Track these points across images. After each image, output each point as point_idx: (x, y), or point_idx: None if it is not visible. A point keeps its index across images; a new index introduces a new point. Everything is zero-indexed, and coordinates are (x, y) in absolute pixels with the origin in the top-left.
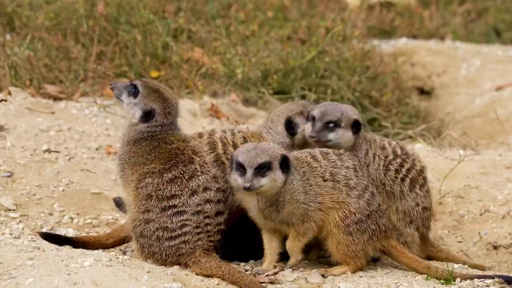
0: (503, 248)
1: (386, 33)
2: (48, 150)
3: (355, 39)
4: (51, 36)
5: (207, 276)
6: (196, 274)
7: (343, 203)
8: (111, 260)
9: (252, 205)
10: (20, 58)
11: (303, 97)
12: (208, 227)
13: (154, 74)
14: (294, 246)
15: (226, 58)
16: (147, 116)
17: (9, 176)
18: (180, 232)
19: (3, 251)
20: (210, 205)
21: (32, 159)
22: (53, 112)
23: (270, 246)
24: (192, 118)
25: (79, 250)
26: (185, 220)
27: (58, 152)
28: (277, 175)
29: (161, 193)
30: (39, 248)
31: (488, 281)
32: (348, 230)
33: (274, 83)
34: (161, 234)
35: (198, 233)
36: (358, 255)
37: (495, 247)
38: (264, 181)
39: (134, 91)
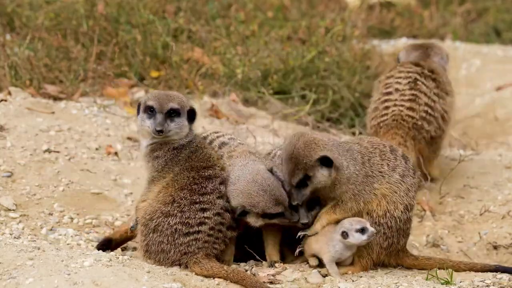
0: (503, 248)
1: (386, 33)
2: (48, 150)
3: (355, 39)
4: (51, 36)
5: (209, 276)
6: (197, 274)
7: (390, 203)
8: (111, 260)
9: None
10: (20, 58)
11: (303, 97)
12: (219, 234)
13: (154, 74)
14: (326, 215)
15: (226, 58)
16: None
17: (9, 176)
18: (196, 229)
19: (3, 251)
20: (228, 214)
21: (32, 159)
22: (53, 112)
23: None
24: None
25: (79, 250)
26: (206, 218)
27: (58, 152)
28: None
29: (196, 187)
30: (39, 248)
31: (488, 281)
32: (376, 228)
33: (274, 83)
34: (179, 228)
35: (209, 235)
36: (371, 256)
37: (495, 247)
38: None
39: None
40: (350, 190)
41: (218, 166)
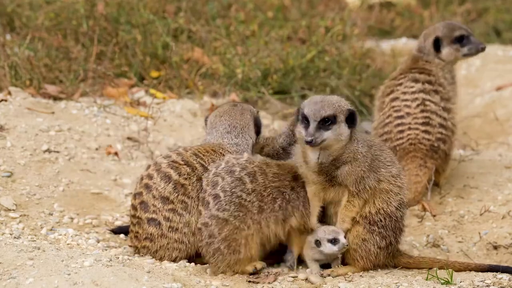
0: (503, 248)
1: (386, 33)
2: (48, 150)
3: (355, 37)
4: (51, 36)
5: None
6: None
7: (383, 201)
8: (111, 260)
9: (312, 158)
10: (20, 58)
11: (303, 96)
12: None
13: (154, 74)
14: (347, 212)
15: (226, 58)
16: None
17: (9, 176)
18: None
19: (3, 251)
20: None
21: (32, 159)
22: (53, 112)
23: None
24: (192, 118)
25: (79, 250)
26: None
27: (58, 152)
28: (342, 129)
29: None
30: (39, 248)
31: (488, 281)
32: (371, 228)
33: (274, 83)
34: None
35: None
36: (369, 258)
37: (495, 247)
38: (327, 135)
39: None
40: (354, 172)
41: None
